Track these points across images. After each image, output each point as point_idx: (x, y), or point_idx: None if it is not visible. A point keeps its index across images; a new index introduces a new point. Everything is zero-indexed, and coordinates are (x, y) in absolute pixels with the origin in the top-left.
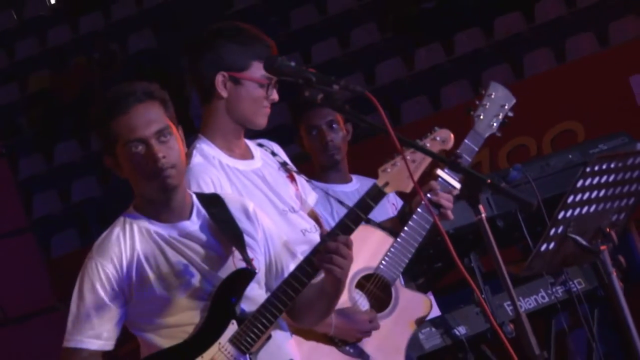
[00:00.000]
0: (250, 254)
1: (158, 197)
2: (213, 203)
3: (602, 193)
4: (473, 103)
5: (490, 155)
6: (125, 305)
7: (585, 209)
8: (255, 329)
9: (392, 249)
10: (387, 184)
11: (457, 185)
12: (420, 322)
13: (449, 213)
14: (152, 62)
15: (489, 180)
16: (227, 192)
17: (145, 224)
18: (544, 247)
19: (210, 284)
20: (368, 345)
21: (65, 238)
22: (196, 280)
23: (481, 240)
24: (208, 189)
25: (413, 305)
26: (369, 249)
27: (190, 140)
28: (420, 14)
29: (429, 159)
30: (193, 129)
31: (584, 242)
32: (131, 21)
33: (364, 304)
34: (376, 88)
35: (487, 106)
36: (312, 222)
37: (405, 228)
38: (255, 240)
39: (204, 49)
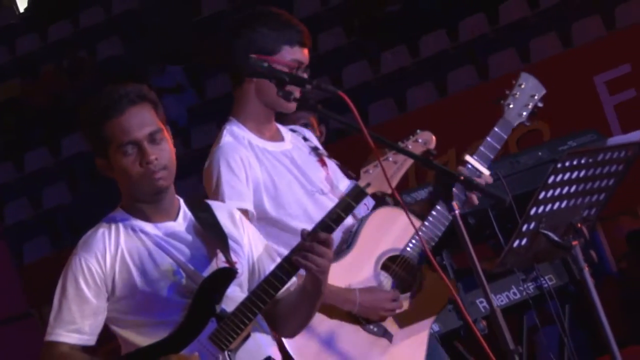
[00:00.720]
0: (233, 257)
1: (148, 199)
2: (200, 208)
3: (573, 189)
4: (503, 92)
5: (456, 155)
6: (107, 301)
7: (556, 205)
8: (234, 327)
9: (419, 232)
10: (368, 184)
11: (486, 171)
12: (444, 304)
13: (474, 198)
14: (120, 69)
15: (462, 177)
16: (217, 202)
17: (131, 222)
18: (516, 243)
19: (193, 283)
20: (390, 324)
21: (36, 244)
22: (179, 278)
23: (453, 238)
24: (237, 167)
25: (438, 287)
26: (396, 230)
27: None
28: (385, 18)
29: (411, 161)
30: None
31: (556, 238)
32: (99, 29)
33: (388, 284)
34: (343, 91)
35: (517, 96)
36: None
37: (433, 212)
38: (240, 245)
39: (236, 33)
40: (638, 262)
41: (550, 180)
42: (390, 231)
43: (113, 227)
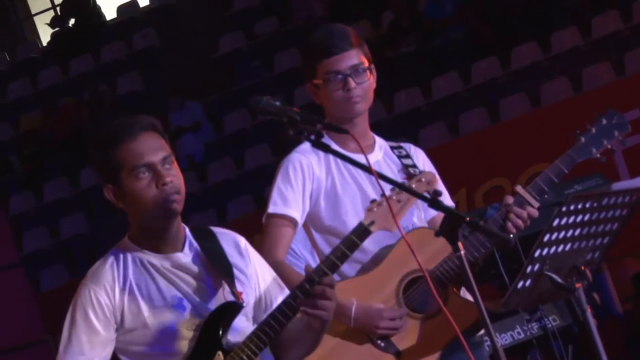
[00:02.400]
0: (239, 288)
1: (158, 225)
2: (205, 237)
3: (577, 232)
4: (584, 125)
5: (467, 195)
6: (116, 332)
7: (560, 248)
8: None
9: (451, 256)
10: (372, 222)
11: (535, 204)
12: (464, 330)
13: (511, 227)
14: (140, 103)
15: (468, 218)
16: (223, 230)
17: (139, 254)
18: (520, 284)
19: (199, 315)
20: (402, 341)
21: (54, 272)
22: (186, 311)
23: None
24: (295, 174)
25: (461, 311)
26: (429, 252)
27: None
28: (399, 58)
29: (413, 199)
30: (180, 170)
31: (559, 280)
32: (120, 64)
33: (403, 302)
34: None
35: (593, 131)
36: (412, 221)
37: (470, 237)
38: (245, 274)
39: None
40: None
41: (555, 223)
42: (424, 251)
43: (121, 258)
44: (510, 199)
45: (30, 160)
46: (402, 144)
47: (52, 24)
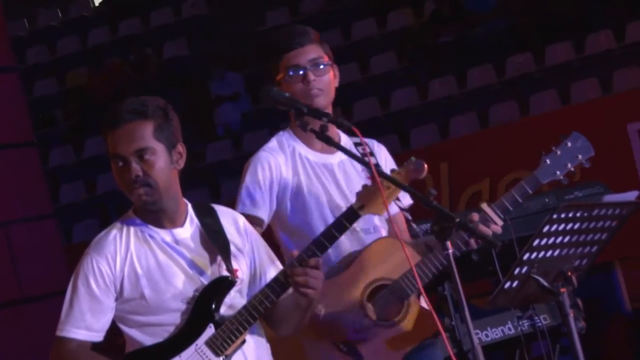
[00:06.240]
0: (235, 265)
1: (141, 208)
2: (206, 214)
3: (566, 239)
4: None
5: (490, 185)
6: (115, 301)
7: (549, 253)
8: (230, 333)
9: (416, 267)
10: (362, 206)
11: (499, 222)
12: (424, 337)
13: (473, 243)
14: (183, 69)
15: (457, 219)
16: (224, 207)
17: (141, 227)
18: (507, 285)
19: (194, 289)
20: (365, 347)
21: (87, 227)
22: (182, 284)
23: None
24: (263, 174)
25: (423, 320)
26: (396, 260)
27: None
28: (437, 47)
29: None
30: (216, 136)
31: (545, 284)
32: (168, 29)
33: (370, 310)
34: (390, 113)
35: (558, 153)
36: (373, 223)
37: (435, 250)
38: (242, 252)
39: None
40: None
41: (546, 229)
42: (389, 260)
43: (125, 230)
44: (475, 216)
45: (74, 116)
46: (367, 140)
47: None
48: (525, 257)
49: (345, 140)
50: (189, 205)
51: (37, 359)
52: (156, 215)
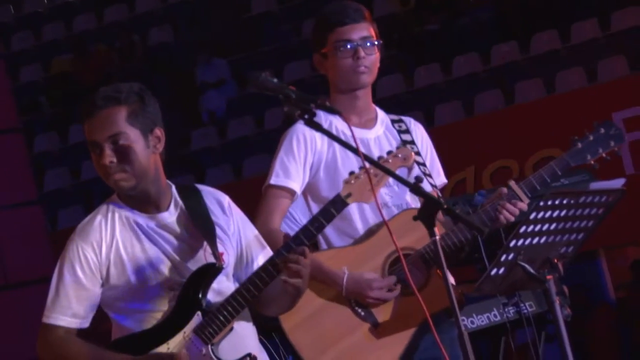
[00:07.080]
0: (220, 248)
1: (121, 194)
2: (190, 195)
3: (553, 226)
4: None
5: (475, 173)
6: (101, 287)
7: (535, 240)
8: (217, 321)
9: (440, 239)
10: (349, 194)
11: (526, 200)
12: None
13: (502, 219)
14: (169, 56)
15: (445, 205)
16: (208, 188)
17: (126, 212)
18: (494, 272)
19: (180, 275)
20: (381, 312)
21: (71, 213)
22: (167, 270)
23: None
24: (299, 146)
25: (440, 292)
26: (420, 232)
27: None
28: (423, 35)
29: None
30: (201, 123)
31: (531, 271)
32: (153, 15)
33: (391, 277)
34: (376, 100)
35: (590, 139)
36: (405, 200)
37: (459, 224)
38: (227, 233)
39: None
40: (638, 290)
41: (532, 216)
42: (415, 231)
43: (110, 215)
44: (504, 191)
45: (59, 102)
46: (403, 118)
47: None
48: (512, 244)
49: (382, 116)
50: (173, 187)
51: (22, 345)
52: (139, 200)
